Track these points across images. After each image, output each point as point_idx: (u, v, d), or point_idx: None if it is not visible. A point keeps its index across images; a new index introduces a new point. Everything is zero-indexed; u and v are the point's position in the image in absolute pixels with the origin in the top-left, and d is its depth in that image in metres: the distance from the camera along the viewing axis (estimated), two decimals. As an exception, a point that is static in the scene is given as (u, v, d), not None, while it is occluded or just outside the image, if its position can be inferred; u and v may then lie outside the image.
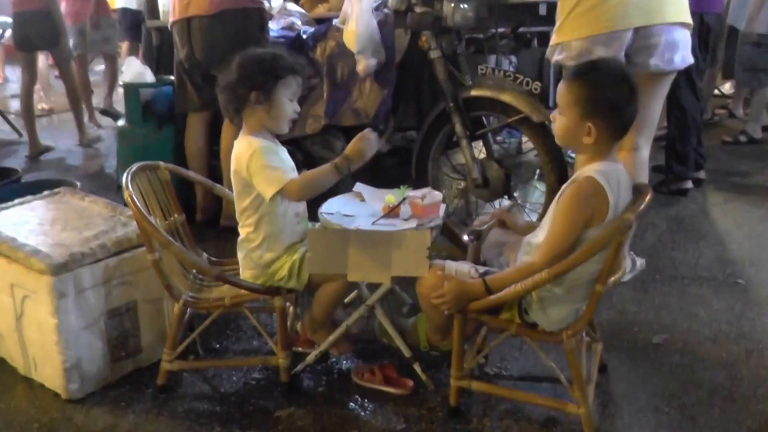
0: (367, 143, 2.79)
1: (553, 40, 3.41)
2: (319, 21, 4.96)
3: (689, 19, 3.37)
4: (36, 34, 6.63)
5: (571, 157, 4.01)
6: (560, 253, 2.38)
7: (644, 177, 3.55)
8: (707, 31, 5.25)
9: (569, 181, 2.47)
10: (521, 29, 4.22)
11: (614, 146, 2.48)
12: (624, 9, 3.20)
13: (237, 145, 2.82)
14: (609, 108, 2.39)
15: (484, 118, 4.11)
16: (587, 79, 2.43)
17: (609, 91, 2.40)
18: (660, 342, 3.24)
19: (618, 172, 2.45)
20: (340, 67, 4.35)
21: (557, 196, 2.48)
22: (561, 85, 2.47)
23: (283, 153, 2.87)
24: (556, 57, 3.42)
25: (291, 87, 2.82)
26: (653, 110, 3.50)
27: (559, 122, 2.48)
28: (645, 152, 3.56)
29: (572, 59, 3.28)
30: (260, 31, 4.37)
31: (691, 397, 2.84)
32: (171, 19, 4.42)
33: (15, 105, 8.95)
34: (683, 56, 3.37)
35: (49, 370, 2.92)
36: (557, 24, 3.39)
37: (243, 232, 2.88)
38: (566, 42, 3.33)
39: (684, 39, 3.36)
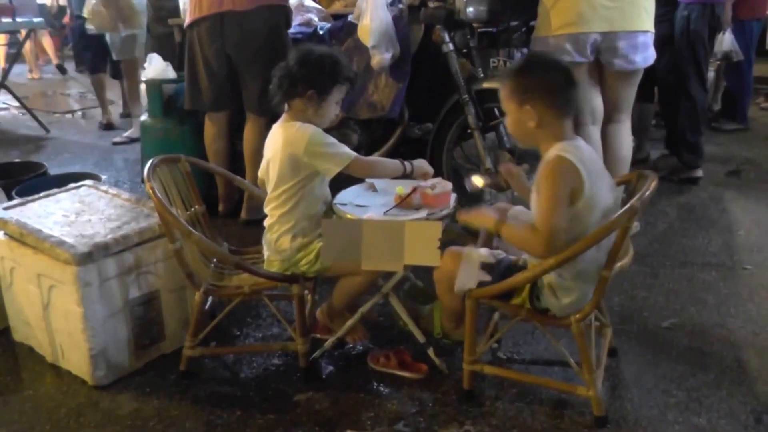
0: (429, 168, 3.02)
1: (535, 33, 3.89)
2: (336, 17, 4.98)
3: (651, 27, 3.81)
4: None
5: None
6: (556, 223, 2.35)
7: (628, 140, 4.06)
8: (717, 21, 5.20)
9: (540, 165, 2.48)
10: (533, 23, 4.21)
11: (566, 126, 2.48)
12: (591, 14, 3.62)
13: (287, 129, 2.86)
14: (542, 89, 2.43)
15: (496, 109, 4.11)
16: (516, 72, 2.53)
17: (539, 74, 2.47)
18: (669, 326, 3.25)
19: (580, 148, 2.45)
20: (356, 61, 4.35)
21: (534, 182, 2.48)
22: (500, 91, 2.55)
23: None
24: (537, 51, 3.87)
25: (342, 93, 2.91)
26: (627, 94, 3.97)
27: (507, 121, 2.55)
28: (626, 123, 4.04)
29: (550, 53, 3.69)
30: (285, 27, 4.39)
31: (698, 379, 2.85)
32: (196, 15, 4.32)
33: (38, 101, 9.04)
34: (644, 57, 3.80)
35: (75, 357, 2.96)
36: (538, 20, 3.84)
37: (275, 215, 2.90)
38: (543, 37, 3.79)
39: (644, 42, 3.79)
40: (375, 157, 2.90)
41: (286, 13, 4.39)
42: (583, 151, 2.44)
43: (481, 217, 2.60)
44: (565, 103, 2.46)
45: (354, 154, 2.82)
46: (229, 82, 4.44)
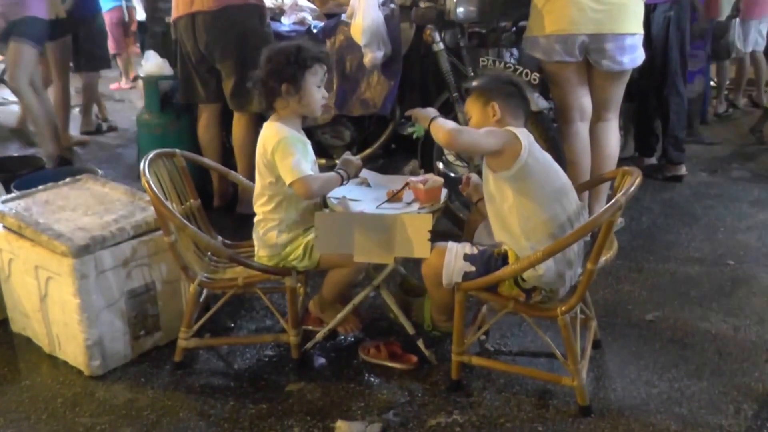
0: (357, 161, 2.95)
1: (526, 33, 3.89)
2: (329, 16, 4.96)
3: (639, 30, 3.79)
4: None
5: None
6: (466, 139, 2.56)
7: (615, 138, 4.04)
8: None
9: None
10: (522, 23, 4.21)
11: (519, 124, 2.66)
12: (580, 16, 3.62)
13: (267, 129, 2.83)
14: (503, 93, 2.67)
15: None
16: (482, 82, 2.78)
17: (500, 84, 2.74)
18: (652, 319, 3.26)
19: (529, 134, 2.62)
20: (348, 59, 4.34)
21: None
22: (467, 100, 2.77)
23: (308, 145, 2.86)
24: (528, 49, 3.92)
25: (318, 75, 2.83)
26: (616, 94, 3.95)
27: (471, 124, 2.71)
28: (614, 122, 4.03)
29: (541, 53, 3.80)
30: (260, 24, 4.37)
31: (680, 371, 2.86)
32: (174, 15, 4.40)
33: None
34: (632, 58, 3.79)
35: (72, 348, 2.95)
36: (529, 20, 3.84)
37: (261, 211, 2.89)
38: (534, 36, 3.81)
39: (632, 44, 3.76)
40: (321, 177, 2.78)
41: (259, 11, 4.37)
42: (530, 137, 2.61)
43: (422, 114, 2.72)
44: (519, 106, 2.70)
45: (306, 173, 2.70)
46: (214, 78, 4.45)
